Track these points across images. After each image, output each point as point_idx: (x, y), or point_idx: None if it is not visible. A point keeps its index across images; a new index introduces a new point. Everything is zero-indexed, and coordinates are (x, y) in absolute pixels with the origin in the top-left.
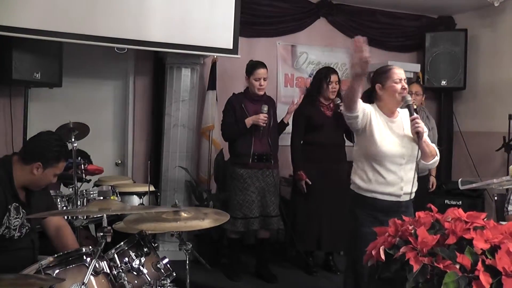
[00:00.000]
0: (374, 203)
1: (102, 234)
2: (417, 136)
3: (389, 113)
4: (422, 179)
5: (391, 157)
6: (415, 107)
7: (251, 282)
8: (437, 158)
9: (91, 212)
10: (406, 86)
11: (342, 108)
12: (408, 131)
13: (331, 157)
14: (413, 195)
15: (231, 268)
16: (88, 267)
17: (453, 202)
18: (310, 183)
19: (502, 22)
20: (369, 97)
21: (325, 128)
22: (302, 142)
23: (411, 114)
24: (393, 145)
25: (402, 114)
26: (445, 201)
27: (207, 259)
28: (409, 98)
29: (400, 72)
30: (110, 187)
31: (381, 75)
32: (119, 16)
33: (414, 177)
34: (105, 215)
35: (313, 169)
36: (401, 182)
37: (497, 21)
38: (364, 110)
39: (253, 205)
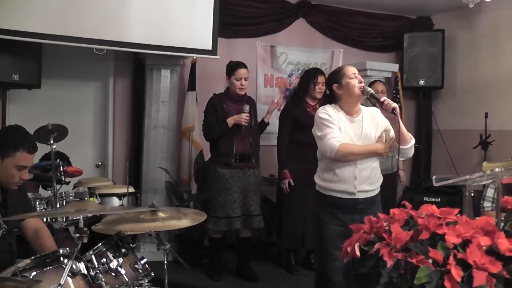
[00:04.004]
0: (331, 201)
1: (78, 235)
2: (394, 113)
3: (350, 112)
4: (392, 175)
5: None
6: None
7: (232, 281)
8: (413, 141)
9: (68, 214)
10: (362, 79)
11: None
12: (367, 130)
13: (316, 157)
14: (373, 193)
15: (212, 268)
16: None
17: (432, 199)
18: (293, 184)
19: (478, 22)
20: (329, 101)
21: (311, 128)
22: (288, 141)
23: (378, 99)
24: (355, 143)
25: (365, 113)
26: (424, 198)
27: (188, 259)
28: (368, 88)
29: (352, 68)
30: (86, 188)
31: (336, 75)
32: (98, 17)
33: (373, 174)
34: (81, 216)
35: (299, 168)
36: (354, 180)
37: (474, 22)
38: (336, 121)
39: (235, 205)
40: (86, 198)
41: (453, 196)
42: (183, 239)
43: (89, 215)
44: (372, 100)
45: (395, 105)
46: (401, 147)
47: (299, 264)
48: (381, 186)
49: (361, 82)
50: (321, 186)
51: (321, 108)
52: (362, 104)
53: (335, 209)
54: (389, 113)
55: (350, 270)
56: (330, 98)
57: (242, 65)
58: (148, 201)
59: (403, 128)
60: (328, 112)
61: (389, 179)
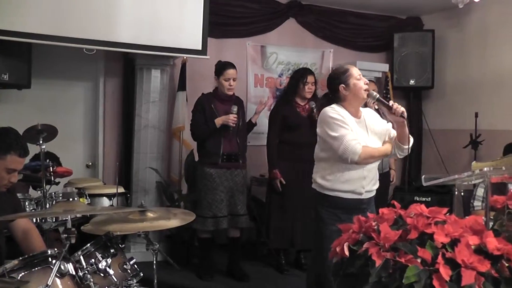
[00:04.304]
0: (336, 202)
1: (66, 235)
2: (403, 117)
3: (354, 112)
4: (384, 174)
5: None
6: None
7: (222, 281)
8: (412, 140)
9: (55, 214)
10: (367, 81)
11: (316, 112)
12: (372, 130)
13: (306, 157)
14: (374, 192)
15: (202, 268)
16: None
17: (423, 199)
18: (284, 182)
19: (468, 23)
20: (330, 101)
21: (300, 128)
22: (278, 141)
23: (386, 104)
24: (367, 143)
25: (365, 113)
26: (415, 198)
27: (178, 260)
28: (374, 93)
29: (357, 69)
30: (74, 188)
31: (342, 75)
32: (88, 17)
33: (376, 175)
34: (69, 217)
35: (288, 168)
36: (363, 181)
37: (463, 22)
38: (348, 122)
39: (222, 204)
40: (75, 199)
41: (443, 196)
42: (174, 239)
43: (78, 215)
44: (369, 100)
45: (403, 109)
46: (405, 147)
47: (290, 264)
48: None
49: (366, 84)
50: (325, 186)
51: (329, 108)
52: None
53: (339, 209)
54: (398, 117)
55: (339, 269)
56: (330, 98)
57: (230, 65)
58: (138, 202)
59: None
60: (339, 112)
61: (381, 178)
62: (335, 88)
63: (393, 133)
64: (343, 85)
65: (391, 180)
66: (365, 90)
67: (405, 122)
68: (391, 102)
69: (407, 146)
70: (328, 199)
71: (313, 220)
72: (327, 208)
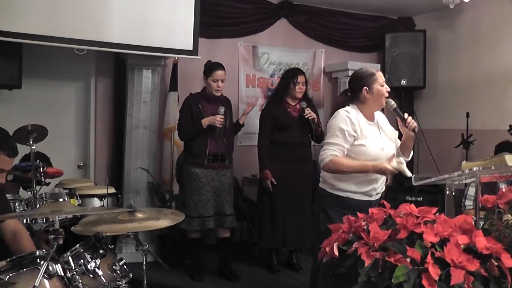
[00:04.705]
0: (346, 202)
1: (53, 236)
2: (414, 131)
3: (369, 116)
4: None
5: (378, 159)
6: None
7: (214, 281)
8: (412, 152)
9: (43, 215)
10: (389, 89)
11: (307, 112)
12: (385, 132)
13: (297, 157)
14: (380, 194)
15: (194, 268)
16: None
17: (414, 199)
18: (275, 182)
19: (459, 23)
20: (348, 99)
21: (291, 128)
22: (269, 141)
23: (401, 116)
24: (383, 147)
25: (377, 116)
26: (407, 198)
27: (169, 260)
28: (392, 102)
29: (382, 76)
30: (62, 189)
31: (368, 78)
32: (79, 17)
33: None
34: (57, 217)
35: (279, 168)
36: (375, 183)
37: (455, 22)
38: (352, 125)
39: (208, 204)
40: (64, 199)
41: (435, 195)
42: (165, 240)
43: (69, 216)
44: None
45: (416, 124)
46: (406, 159)
47: (281, 264)
48: None
49: (388, 92)
50: (337, 186)
51: (344, 113)
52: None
53: (349, 210)
54: (409, 131)
55: (329, 270)
56: (349, 97)
57: (219, 66)
58: (129, 202)
59: None
60: (352, 119)
61: None
62: (358, 89)
63: (398, 142)
64: (366, 87)
65: (386, 181)
66: (385, 96)
67: (414, 137)
68: (406, 115)
69: (408, 159)
70: (338, 199)
71: (317, 220)
72: (336, 208)
